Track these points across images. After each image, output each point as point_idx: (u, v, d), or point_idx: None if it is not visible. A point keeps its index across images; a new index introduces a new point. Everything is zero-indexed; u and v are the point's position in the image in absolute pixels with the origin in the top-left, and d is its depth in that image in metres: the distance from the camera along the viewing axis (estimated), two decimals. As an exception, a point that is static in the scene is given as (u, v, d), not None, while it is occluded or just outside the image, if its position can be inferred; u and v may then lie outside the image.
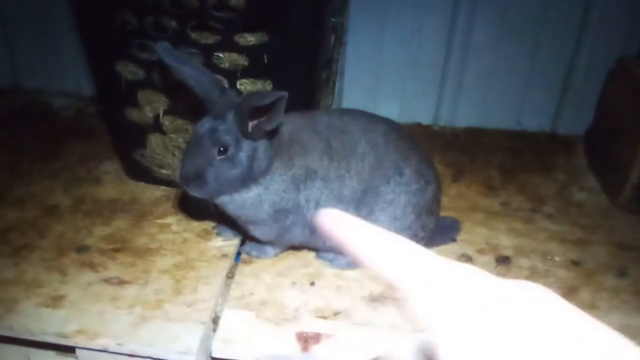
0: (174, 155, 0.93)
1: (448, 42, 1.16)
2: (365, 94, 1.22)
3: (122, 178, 1.01)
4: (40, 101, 1.29)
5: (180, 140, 0.90)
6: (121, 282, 0.78)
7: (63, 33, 1.23)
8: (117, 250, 0.84)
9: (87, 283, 0.78)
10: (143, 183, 0.99)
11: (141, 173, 0.98)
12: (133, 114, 0.90)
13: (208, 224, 0.90)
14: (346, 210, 0.59)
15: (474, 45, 1.15)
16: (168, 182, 0.97)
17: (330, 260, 0.83)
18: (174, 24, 0.80)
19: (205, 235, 0.88)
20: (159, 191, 0.98)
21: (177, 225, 0.90)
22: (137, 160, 0.96)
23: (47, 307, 0.73)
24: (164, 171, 0.96)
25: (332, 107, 1.12)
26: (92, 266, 0.81)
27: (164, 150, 0.93)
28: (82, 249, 0.84)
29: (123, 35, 0.83)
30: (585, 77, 1.15)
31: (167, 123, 0.89)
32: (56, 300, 0.74)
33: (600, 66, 1.12)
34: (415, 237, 0.80)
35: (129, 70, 0.86)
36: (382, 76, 1.21)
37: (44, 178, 1.00)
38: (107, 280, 0.78)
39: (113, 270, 0.80)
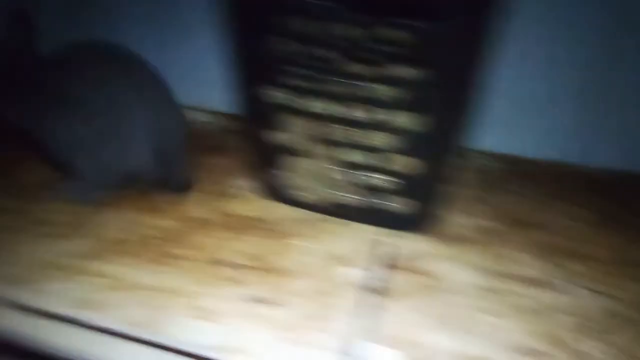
0: (315, 179, 0.95)
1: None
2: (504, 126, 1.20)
3: (261, 196, 1.05)
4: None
5: (325, 165, 0.93)
6: (262, 301, 0.81)
7: (209, 50, 1.29)
8: (258, 268, 0.87)
9: (230, 298, 0.81)
10: (282, 203, 1.02)
11: (281, 193, 1.01)
12: (279, 137, 0.94)
13: (350, 251, 0.91)
14: None
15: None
16: (307, 205, 0.99)
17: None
18: (331, 53, 0.82)
19: (346, 261, 0.89)
20: (298, 213, 1.00)
21: (315, 248, 0.92)
22: (278, 180, 0.99)
23: (192, 317, 0.78)
24: (304, 194, 0.98)
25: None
26: (235, 282, 0.85)
27: (307, 174, 0.95)
28: (224, 263, 0.88)
29: (277, 60, 0.86)
30: None
31: (314, 148, 0.92)
32: (199, 312, 0.79)
33: None
34: None
35: (279, 96, 0.89)
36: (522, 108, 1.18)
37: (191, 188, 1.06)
38: (248, 298, 0.82)
39: (254, 288, 0.84)
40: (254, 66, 0.89)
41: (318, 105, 0.87)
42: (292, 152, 0.94)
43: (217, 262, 0.88)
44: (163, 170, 1.01)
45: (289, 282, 0.85)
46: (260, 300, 0.81)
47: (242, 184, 1.08)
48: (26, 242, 0.91)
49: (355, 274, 0.87)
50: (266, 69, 0.87)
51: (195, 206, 1.01)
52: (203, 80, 1.35)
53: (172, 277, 0.85)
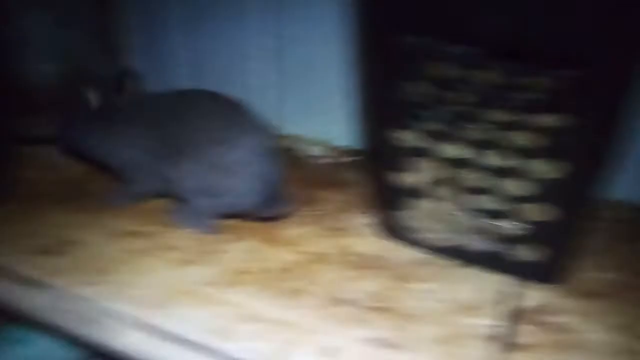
0: (440, 222, 0.94)
1: None
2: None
3: (380, 234, 1.04)
4: (297, 147, 1.40)
5: (451, 209, 0.91)
6: (388, 345, 0.80)
7: (333, 86, 1.32)
8: (383, 309, 0.86)
9: (354, 338, 0.81)
10: (403, 244, 1.01)
11: (400, 233, 1.00)
12: (404, 178, 0.93)
13: (474, 298, 0.89)
14: None
15: None
16: (429, 248, 0.98)
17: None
18: (468, 98, 0.81)
19: (470, 310, 0.87)
20: (418, 254, 0.99)
21: (439, 293, 0.90)
22: (399, 220, 0.99)
23: (318, 355, 0.78)
24: (427, 236, 0.97)
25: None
26: (357, 321, 0.84)
27: (431, 217, 0.94)
28: (346, 301, 0.88)
29: (411, 104, 0.86)
30: None
31: (441, 192, 0.91)
32: (324, 350, 0.78)
33: None
34: None
35: (410, 138, 0.89)
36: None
37: (310, 223, 1.08)
38: (373, 340, 0.81)
39: (378, 330, 0.82)
40: (387, 108, 0.90)
41: (450, 150, 0.87)
42: (417, 193, 0.93)
43: (339, 300, 0.88)
44: (268, 201, 1.02)
45: (413, 326, 0.83)
46: (385, 344, 0.80)
47: (361, 221, 1.09)
48: (155, 265, 0.95)
49: (480, 323, 0.84)
50: (399, 111, 0.88)
51: (313, 240, 1.03)
52: (323, 115, 1.38)
53: (294, 311, 0.86)
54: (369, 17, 0.85)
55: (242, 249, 1.00)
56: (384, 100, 0.89)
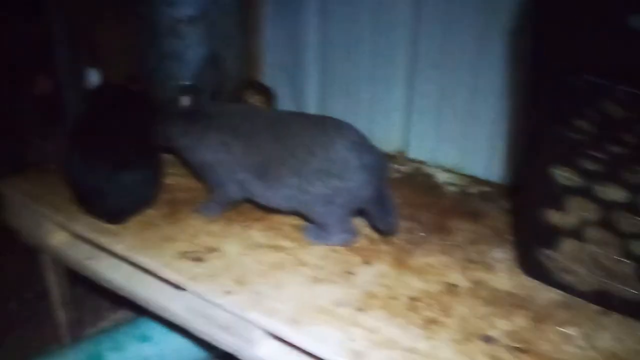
0: (585, 264, 0.89)
1: None
2: None
3: (515, 271, 1.01)
4: (424, 172, 1.38)
5: (600, 252, 0.87)
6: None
7: (482, 119, 1.30)
8: (522, 350, 0.83)
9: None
10: (543, 284, 0.97)
11: (540, 272, 0.96)
12: (553, 216, 0.90)
13: (615, 346, 0.84)
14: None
15: None
16: (569, 289, 0.93)
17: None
18: (634, 140, 0.77)
19: (610, 359, 0.82)
20: (557, 295, 0.95)
21: (580, 339, 0.86)
22: (539, 259, 0.95)
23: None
24: (568, 277, 0.93)
25: None
26: (496, 360, 0.82)
27: (575, 258, 0.90)
28: (487, 339, 0.85)
29: (575, 143, 0.83)
30: None
31: (591, 233, 0.87)
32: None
33: None
34: None
35: (565, 176, 0.86)
36: None
37: (439, 252, 1.06)
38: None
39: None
40: (550, 145, 0.87)
41: (607, 191, 0.83)
42: (565, 233, 0.89)
43: (474, 335, 0.85)
44: (380, 202, 1.03)
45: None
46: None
47: (495, 255, 1.05)
48: (288, 280, 0.97)
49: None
50: (563, 149, 0.85)
51: (443, 270, 1.00)
52: (454, 142, 1.36)
53: (428, 342, 0.84)
54: (545, 55, 0.84)
55: (370, 272, 1.00)
56: (548, 137, 0.87)
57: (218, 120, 1.09)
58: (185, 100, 1.10)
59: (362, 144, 1.01)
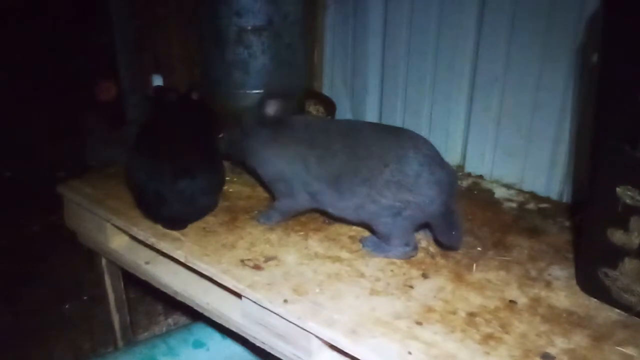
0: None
1: None
2: None
3: (574, 288, 1.00)
4: (483, 187, 1.38)
5: (664, 273, 0.86)
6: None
7: (546, 134, 1.29)
8: (582, 370, 0.83)
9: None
10: (598, 301, 0.96)
11: (599, 290, 0.96)
12: (615, 235, 0.89)
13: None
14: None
15: None
16: (629, 308, 0.92)
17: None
18: None
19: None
20: (615, 314, 0.94)
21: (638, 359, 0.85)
22: (599, 277, 0.94)
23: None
24: (627, 296, 0.92)
25: None
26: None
27: (636, 278, 0.89)
28: (546, 356, 0.85)
29: (638, 161, 0.83)
30: None
31: (655, 253, 0.86)
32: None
33: None
34: None
35: (630, 195, 0.86)
36: None
37: (497, 268, 1.06)
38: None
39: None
40: (621, 165, 0.87)
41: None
42: (630, 253, 0.89)
43: (534, 353, 0.85)
44: (447, 217, 1.03)
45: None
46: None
47: (556, 272, 1.04)
48: (346, 291, 0.98)
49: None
50: (626, 170, 0.85)
51: (502, 287, 1.00)
52: (513, 158, 1.36)
53: (488, 358, 0.84)
54: (613, 74, 0.84)
55: (428, 286, 1.00)
56: (613, 156, 0.87)
57: (296, 132, 1.11)
58: (270, 109, 1.12)
59: (435, 158, 1.02)
